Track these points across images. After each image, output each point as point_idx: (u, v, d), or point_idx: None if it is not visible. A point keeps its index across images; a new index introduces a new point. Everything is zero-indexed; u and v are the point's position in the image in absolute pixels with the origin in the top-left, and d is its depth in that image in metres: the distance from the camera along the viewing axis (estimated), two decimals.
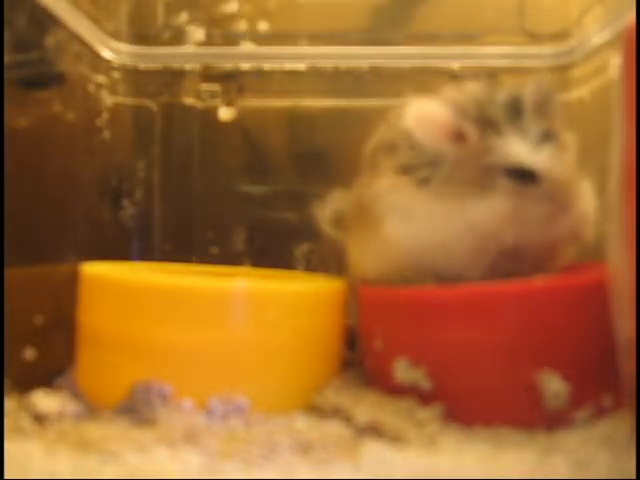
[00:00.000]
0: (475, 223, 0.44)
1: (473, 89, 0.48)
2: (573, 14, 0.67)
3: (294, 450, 0.37)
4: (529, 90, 0.46)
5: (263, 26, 0.71)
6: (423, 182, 0.46)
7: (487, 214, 0.44)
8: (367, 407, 0.41)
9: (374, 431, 0.39)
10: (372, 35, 0.71)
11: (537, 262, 0.45)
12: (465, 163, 0.45)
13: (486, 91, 0.47)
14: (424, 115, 0.46)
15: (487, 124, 0.45)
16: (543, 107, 0.46)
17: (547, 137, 0.45)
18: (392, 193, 0.47)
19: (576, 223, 0.45)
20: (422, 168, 0.46)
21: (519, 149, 0.44)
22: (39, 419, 0.41)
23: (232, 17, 0.71)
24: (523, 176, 0.44)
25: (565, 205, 0.44)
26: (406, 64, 0.70)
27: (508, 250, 0.44)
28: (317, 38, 0.71)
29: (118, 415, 0.41)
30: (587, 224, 0.45)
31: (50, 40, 0.54)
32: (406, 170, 0.47)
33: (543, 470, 0.34)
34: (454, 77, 0.69)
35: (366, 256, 0.50)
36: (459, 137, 0.45)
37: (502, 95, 0.46)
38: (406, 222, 0.46)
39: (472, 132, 0.45)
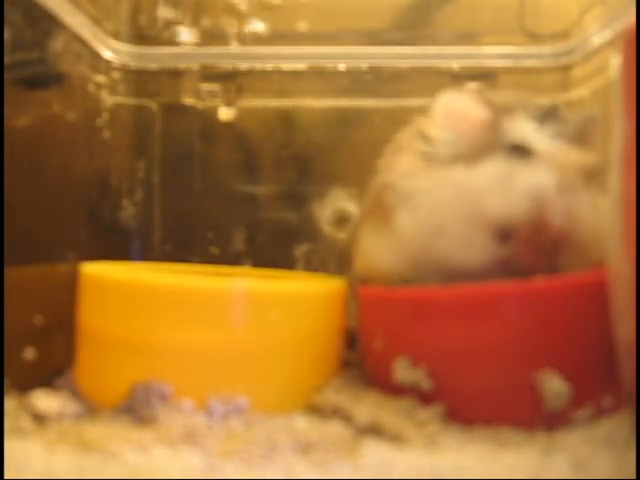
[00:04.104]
0: (463, 186, 0.44)
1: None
2: (573, 14, 0.67)
3: (294, 450, 0.37)
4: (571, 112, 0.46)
5: (263, 26, 0.71)
6: (435, 162, 0.46)
7: (475, 177, 0.44)
8: (367, 407, 0.41)
9: (374, 431, 0.39)
10: (372, 35, 0.71)
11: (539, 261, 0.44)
12: (474, 142, 0.46)
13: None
14: (454, 108, 0.46)
15: (507, 112, 0.46)
16: (578, 126, 0.46)
17: (565, 136, 0.45)
18: (404, 180, 0.47)
19: (569, 214, 0.42)
20: (441, 156, 0.46)
21: (524, 128, 0.44)
22: (39, 419, 0.41)
23: (232, 17, 0.71)
24: (520, 152, 0.44)
25: (557, 190, 0.42)
26: (406, 64, 0.70)
27: (501, 227, 0.43)
28: (317, 38, 0.71)
29: (118, 415, 0.41)
30: (583, 229, 0.43)
31: (50, 40, 0.54)
32: (426, 157, 0.47)
33: (543, 470, 0.34)
34: (454, 77, 0.69)
35: (379, 246, 0.50)
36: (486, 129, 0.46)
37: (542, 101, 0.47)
38: (415, 207, 0.46)
39: (491, 117, 0.45)
